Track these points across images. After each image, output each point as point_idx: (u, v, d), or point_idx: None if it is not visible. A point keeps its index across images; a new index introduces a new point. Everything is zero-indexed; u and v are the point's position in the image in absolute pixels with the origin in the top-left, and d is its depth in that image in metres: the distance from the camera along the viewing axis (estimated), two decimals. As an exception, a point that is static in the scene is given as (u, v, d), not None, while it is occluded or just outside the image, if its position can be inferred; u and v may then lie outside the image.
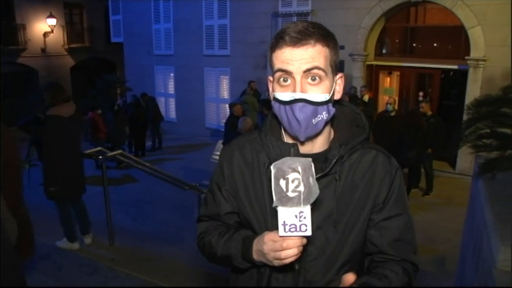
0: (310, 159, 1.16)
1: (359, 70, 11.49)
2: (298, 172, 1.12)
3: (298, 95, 1.24)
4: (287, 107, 1.27)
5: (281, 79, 1.27)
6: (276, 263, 1.23)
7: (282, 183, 1.12)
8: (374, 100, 11.36)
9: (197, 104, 15.53)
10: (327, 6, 11.53)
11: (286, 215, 1.13)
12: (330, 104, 1.30)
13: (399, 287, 1.37)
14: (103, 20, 21.28)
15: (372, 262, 1.44)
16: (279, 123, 1.41)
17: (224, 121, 14.87)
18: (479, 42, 9.35)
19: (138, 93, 13.39)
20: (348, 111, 1.46)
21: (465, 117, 9.41)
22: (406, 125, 7.63)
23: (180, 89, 16.07)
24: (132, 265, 4.74)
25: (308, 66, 1.23)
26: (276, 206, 1.14)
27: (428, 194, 8.36)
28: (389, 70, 12.31)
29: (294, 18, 12.31)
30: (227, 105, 14.71)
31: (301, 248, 1.19)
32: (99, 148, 4.47)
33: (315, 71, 1.24)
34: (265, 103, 8.48)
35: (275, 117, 1.41)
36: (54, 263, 4.71)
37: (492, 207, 2.86)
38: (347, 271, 1.34)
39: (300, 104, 1.24)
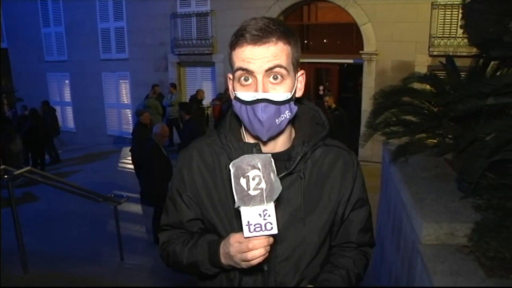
0: (269, 154, 1.14)
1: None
2: (258, 169, 1.09)
3: (260, 95, 1.21)
4: (249, 107, 1.23)
5: (242, 78, 1.23)
6: (244, 265, 1.20)
7: (243, 181, 1.09)
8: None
9: (97, 111, 14.84)
10: (226, 6, 11.63)
11: (249, 214, 1.10)
12: (292, 103, 1.28)
13: (358, 272, 1.47)
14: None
15: (335, 250, 1.50)
16: (239, 123, 1.39)
17: (126, 127, 14.52)
18: (370, 38, 10.09)
19: (31, 103, 12.39)
20: (306, 109, 1.45)
21: (364, 107, 10.04)
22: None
23: (77, 96, 15.23)
24: (57, 292, 4.34)
25: (270, 64, 1.20)
26: (239, 207, 1.11)
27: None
28: (289, 66, 12.74)
29: (194, 19, 12.26)
30: (128, 111, 14.29)
31: (268, 247, 1.15)
32: (3, 166, 4.01)
33: (277, 69, 1.21)
34: (184, 107, 8.30)
35: (234, 117, 1.39)
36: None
37: (408, 188, 3.10)
38: (315, 267, 1.40)
39: (263, 104, 1.21)
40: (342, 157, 1.45)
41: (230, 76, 1.32)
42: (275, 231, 1.11)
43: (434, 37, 9.37)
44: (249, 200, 1.09)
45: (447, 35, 9.28)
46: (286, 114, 1.26)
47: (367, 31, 10.09)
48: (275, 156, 1.25)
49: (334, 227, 1.47)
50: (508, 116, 2.84)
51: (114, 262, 5.46)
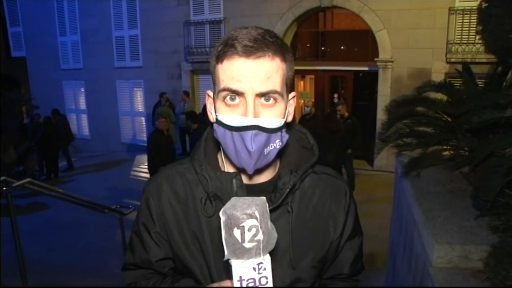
0: (265, 198, 0.98)
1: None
2: (256, 218, 0.92)
3: (250, 120, 1.02)
4: (235, 133, 1.04)
5: (228, 97, 1.05)
6: None
7: (236, 232, 0.93)
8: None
9: (111, 119, 14.89)
10: (239, 13, 11.55)
11: (242, 269, 0.95)
12: (284, 130, 1.10)
13: None
14: (0, 32, 19.65)
15: (324, 282, 1.36)
16: (216, 149, 1.22)
17: (139, 134, 14.53)
18: (386, 45, 9.89)
19: (47, 111, 12.49)
20: (292, 131, 1.26)
21: (379, 115, 9.85)
22: (324, 128, 7.76)
23: (92, 104, 15.31)
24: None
25: (263, 89, 1.02)
26: (229, 259, 0.95)
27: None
28: (303, 74, 12.64)
29: (207, 26, 12.23)
30: (142, 119, 14.34)
31: None
32: (3, 177, 3.93)
33: (270, 94, 1.04)
34: (190, 116, 8.18)
35: (210, 141, 1.22)
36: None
37: (420, 205, 2.91)
38: None
39: (253, 132, 1.02)
40: (333, 187, 1.28)
41: (210, 93, 1.14)
42: (270, 285, 0.97)
43: (451, 43, 9.12)
44: (243, 253, 0.94)
45: (466, 41, 9.02)
46: (276, 144, 1.07)
47: (382, 37, 9.89)
48: (259, 187, 1.10)
49: (326, 264, 1.31)
50: (528, 129, 2.64)
51: (118, 274, 5.33)
